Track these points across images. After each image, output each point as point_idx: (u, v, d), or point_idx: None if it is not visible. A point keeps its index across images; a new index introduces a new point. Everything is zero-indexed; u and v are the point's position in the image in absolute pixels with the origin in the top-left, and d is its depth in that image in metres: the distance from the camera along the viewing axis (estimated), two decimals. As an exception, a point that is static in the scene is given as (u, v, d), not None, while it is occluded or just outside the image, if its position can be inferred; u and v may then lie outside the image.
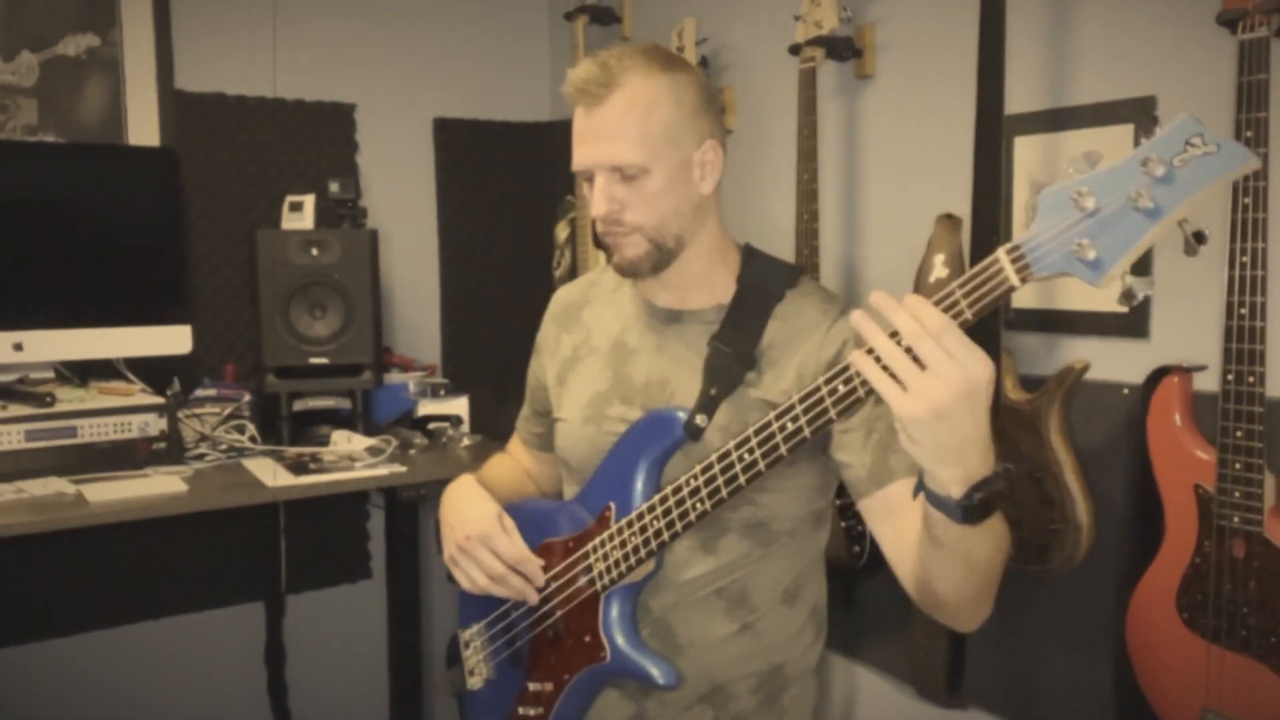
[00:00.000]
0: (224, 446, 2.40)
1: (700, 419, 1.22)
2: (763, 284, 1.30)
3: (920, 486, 1.00)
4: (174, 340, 2.43)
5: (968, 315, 0.91)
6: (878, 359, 0.91)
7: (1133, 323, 1.71)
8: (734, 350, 1.25)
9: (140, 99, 2.60)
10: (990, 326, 1.74)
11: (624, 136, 1.22)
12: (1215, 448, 1.44)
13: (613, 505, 1.26)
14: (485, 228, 3.08)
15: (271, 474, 2.21)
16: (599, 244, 1.38)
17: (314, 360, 2.50)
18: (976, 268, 0.91)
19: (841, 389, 1.01)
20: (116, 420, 2.19)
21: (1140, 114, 1.68)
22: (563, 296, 1.50)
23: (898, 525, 1.18)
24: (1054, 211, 0.88)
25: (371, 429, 2.54)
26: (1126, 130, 1.69)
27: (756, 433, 1.10)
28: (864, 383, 0.96)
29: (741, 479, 1.12)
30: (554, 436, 1.43)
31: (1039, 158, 1.83)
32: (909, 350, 0.90)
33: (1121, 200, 0.85)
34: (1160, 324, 1.69)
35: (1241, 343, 1.38)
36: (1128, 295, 0.87)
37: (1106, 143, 1.72)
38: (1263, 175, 1.35)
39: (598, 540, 1.26)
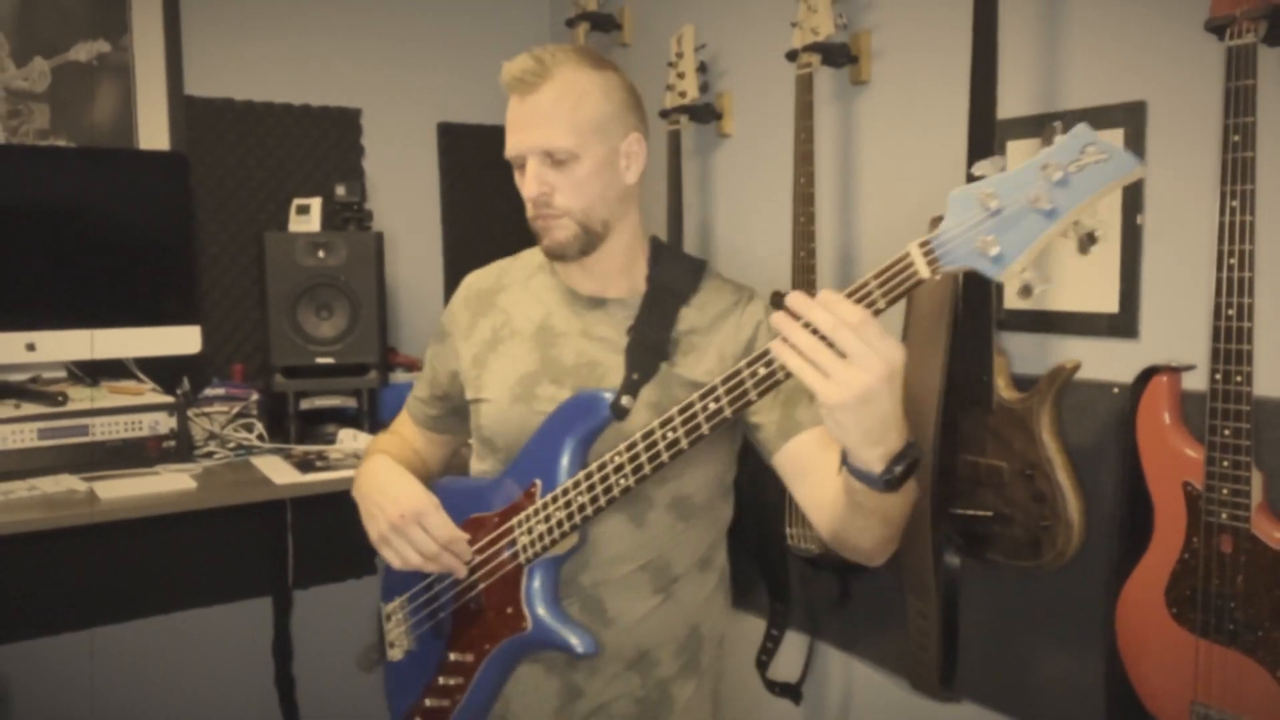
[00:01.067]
0: (232, 445, 2.40)
1: (626, 400, 1.25)
2: (674, 276, 1.34)
3: (844, 462, 1.05)
4: (183, 340, 2.44)
5: (881, 305, 0.97)
6: (799, 351, 0.96)
7: (1123, 323, 1.71)
8: (649, 338, 1.29)
9: (151, 104, 2.60)
10: (982, 327, 1.74)
11: (556, 123, 1.25)
12: (1203, 446, 1.44)
13: (538, 482, 1.28)
14: (488, 230, 3.08)
15: (279, 472, 2.21)
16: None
17: (321, 360, 2.50)
18: (890, 261, 0.97)
19: (762, 372, 1.05)
20: (127, 419, 2.19)
21: (1131, 118, 1.68)
22: (473, 282, 1.50)
23: (811, 480, 1.24)
24: (963, 210, 0.93)
25: (377, 427, 2.54)
26: (1116, 134, 1.69)
27: (680, 412, 1.13)
28: (783, 366, 0.99)
29: (664, 455, 1.15)
30: (476, 418, 1.43)
31: (1031, 162, 1.83)
32: (827, 341, 0.94)
33: (1023, 202, 0.90)
34: (1150, 325, 1.69)
35: (1229, 343, 1.38)
36: (1026, 290, 0.93)
37: (1097, 147, 1.72)
38: (1250, 179, 1.35)
39: (523, 515, 1.28)
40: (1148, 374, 1.55)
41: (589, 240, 1.30)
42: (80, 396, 2.22)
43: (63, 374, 2.37)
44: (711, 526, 1.38)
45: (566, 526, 1.23)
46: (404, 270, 2.94)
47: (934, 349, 1.77)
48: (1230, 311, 1.37)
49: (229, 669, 2.77)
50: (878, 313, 0.96)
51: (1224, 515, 1.42)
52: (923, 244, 0.95)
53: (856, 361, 0.92)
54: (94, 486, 2.02)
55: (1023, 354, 1.86)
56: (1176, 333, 1.65)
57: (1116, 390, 1.69)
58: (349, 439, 2.44)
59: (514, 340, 1.39)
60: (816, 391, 0.94)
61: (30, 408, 2.13)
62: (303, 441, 2.48)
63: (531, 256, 1.46)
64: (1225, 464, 1.41)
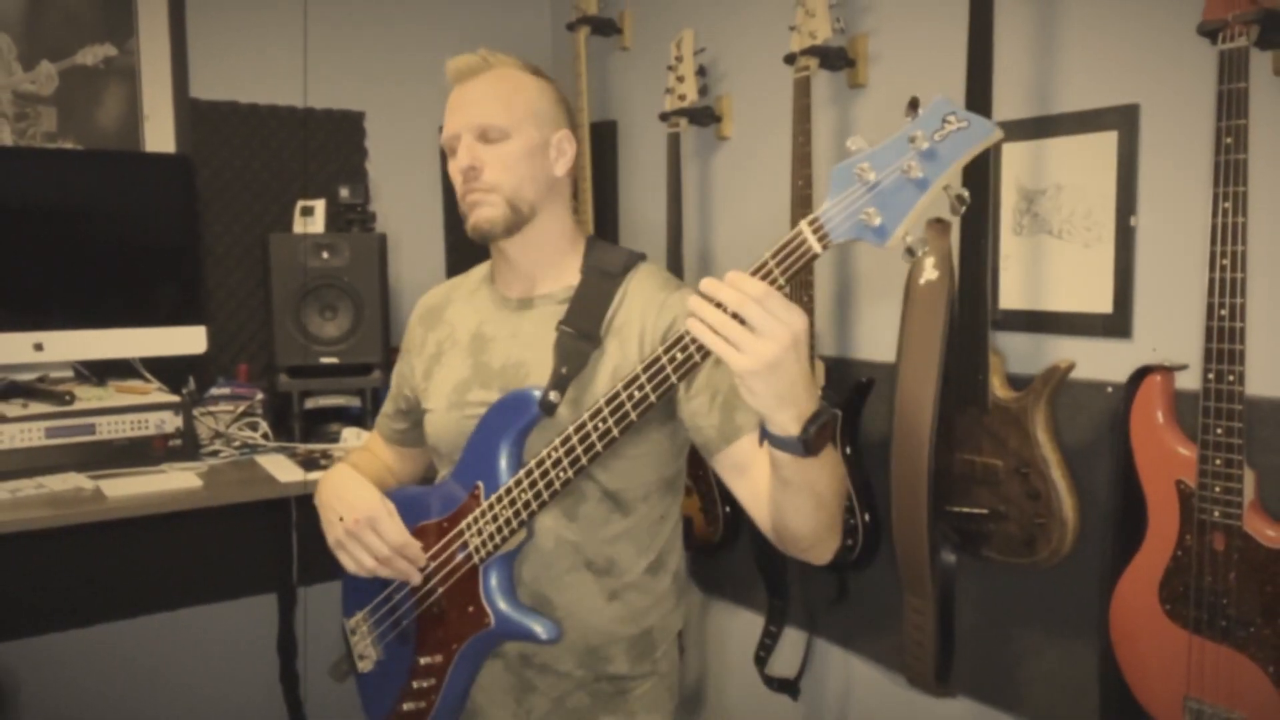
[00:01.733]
0: (238, 443, 2.40)
1: (553, 395, 1.25)
2: (605, 268, 1.35)
3: (764, 435, 1.07)
4: (189, 341, 2.44)
5: (781, 281, 1.00)
6: (712, 329, 1.00)
7: (1117, 323, 1.71)
8: (578, 331, 1.29)
9: (157, 107, 2.60)
10: (977, 327, 1.74)
11: (491, 103, 1.31)
12: (1196, 444, 1.44)
13: (480, 484, 1.29)
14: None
15: (284, 470, 2.21)
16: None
17: (325, 360, 2.50)
18: (785, 238, 1.00)
19: (679, 356, 1.08)
20: (134, 418, 2.19)
21: (1124, 121, 1.68)
22: (426, 300, 1.55)
23: (749, 476, 1.25)
24: (843, 185, 0.97)
25: (380, 426, 2.54)
26: (1110, 137, 1.69)
27: (608, 402, 1.14)
28: (700, 348, 1.04)
29: (598, 446, 1.17)
30: (424, 428, 1.46)
31: (1026, 163, 1.83)
32: (737, 317, 0.98)
33: (896, 173, 0.94)
34: (1143, 325, 1.69)
35: (1221, 343, 1.38)
36: (909, 253, 0.96)
37: (1092, 149, 1.72)
38: (1242, 180, 1.35)
39: (471, 517, 1.29)
40: (1141, 373, 1.55)
41: (515, 220, 1.32)
42: (87, 396, 2.22)
43: (70, 374, 2.37)
44: (657, 525, 1.38)
45: (515, 524, 1.25)
46: (406, 271, 2.93)
47: (930, 349, 1.77)
48: (1223, 312, 1.37)
49: (234, 665, 2.77)
50: (779, 289, 1.00)
51: (1217, 513, 1.42)
52: (811, 221, 0.98)
53: (762, 332, 0.97)
54: (101, 484, 2.02)
55: (1018, 354, 1.86)
56: (1170, 333, 1.65)
57: (1110, 389, 1.69)
58: (353, 437, 2.44)
59: (453, 351, 1.42)
60: (728, 361, 0.99)
61: (38, 407, 2.13)
62: (307, 440, 2.48)
63: (480, 270, 1.49)
64: (1218, 462, 1.41)
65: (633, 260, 1.37)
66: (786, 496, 1.14)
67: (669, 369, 1.08)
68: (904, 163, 0.93)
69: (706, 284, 1.01)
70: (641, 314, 1.30)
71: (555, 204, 1.36)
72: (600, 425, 1.15)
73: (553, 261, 1.37)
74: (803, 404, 1.03)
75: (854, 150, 0.96)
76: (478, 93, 1.32)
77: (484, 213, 1.31)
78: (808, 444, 1.04)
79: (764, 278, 0.99)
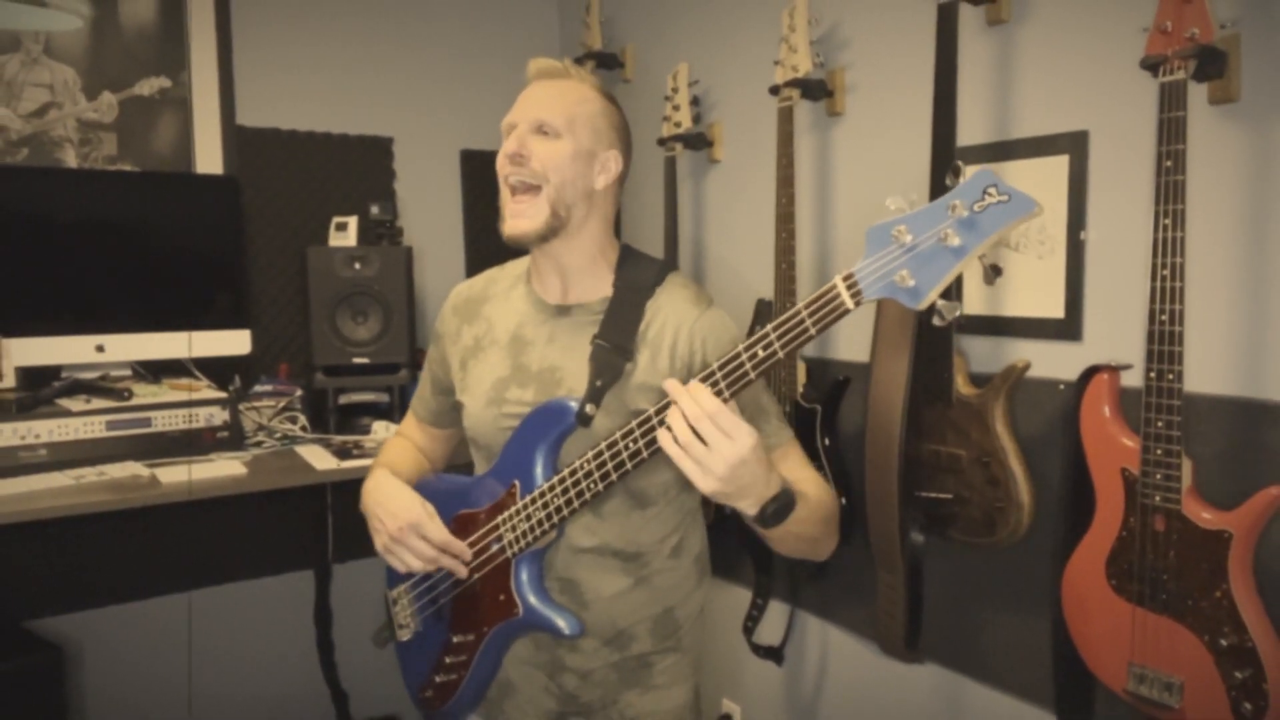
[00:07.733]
0: (279, 435, 2.40)
1: (589, 408, 1.21)
2: (638, 281, 1.30)
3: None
4: (236, 342, 2.44)
5: (812, 332, 0.96)
6: (680, 446, 1.03)
7: (1068, 327, 1.71)
8: (612, 345, 1.25)
9: (206, 133, 2.60)
10: (943, 331, 1.74)
11: (556, 105, 1.28)
12: (1139, 436, 1.44)
13: (517, 483, 1.27)
14: (505, 245, 3.06)
15: (320, 459, 2.21)
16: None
17: (357, 360, 2.50)
18: (819, 292, 0.95)
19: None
20: (185, 412, 2.19)
21: (1075, 146, 1.68)
22: (463, 291, 1.48)
23: None
24: (880, 245, 0.91)
25: (407, 420, 2.55)
26: (1062, 160, 1.69)
27: (640, 424, 1.11)
28: (729, 385, 1.03)
29: (628, 464, 1.13)
30: (460, 417, 1.42)
31: (986, 184, 1.82)
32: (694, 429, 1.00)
33: (933, 239, 0.88)
34: (1092, 329, 1.69)
35: (1162, 345, 1.38)
36: (939, 315, 0.91)
37: (1046, 171, 1.72)
38: (1181, 199, 1.35)
39: (507, 514, 1.26)
40: (1090, 372, 1.55)
41: (555, 225, 1.27)
42: (144, 392, 2.22)
43: (128, 372, 2.37)
44: (675, 514, 1.35)
45: (546, 525, 1.22)
46: (431, 280, 2.93)
47: (901, 350, 1.77)
48: (1163, 317, 1.37)
49: (275, 634, 2.77)
50: (809, 339, 0.97)
51: (1157, 498, 1.42)
52: (847, 277, 0.94)
53: (715, 448, 0.99)
54: (156, 472, 2.02)
55: (979, 354, 1.86)
56: (1116, 336, 1.65)
57: (1062, 387, 1.70)
58: (382, 429, 2.44)
59: (493, 349, 1.37)
60: (693, 481, 1.01)
61: (100, 402, 2.13)
62: (341, 432, 2.48)
63: (515, 267, 1.44)
64: (1159, 452, 1.41)
65: (663, 272, 1.32)
66: (772, 543, 1.16)
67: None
68: (942, 230, 0.88)
69: (668, 387, 1.03)
70: (675, 329, 1.26)
71: (593, 217, 1.31)
72: (630, 445, 1.11)
73: (588, 270, 1.32)
74: (760, 492, 1.05)
75: (893, 210, 0.91)
76: (547, 94, 1.29)
77: (521, 224, 1.27)
78: (765, 523, 1.07)
79: (795, 327, 0.97)
